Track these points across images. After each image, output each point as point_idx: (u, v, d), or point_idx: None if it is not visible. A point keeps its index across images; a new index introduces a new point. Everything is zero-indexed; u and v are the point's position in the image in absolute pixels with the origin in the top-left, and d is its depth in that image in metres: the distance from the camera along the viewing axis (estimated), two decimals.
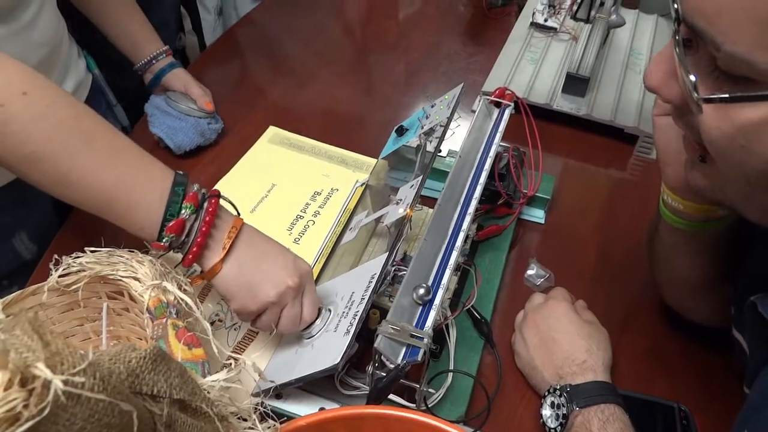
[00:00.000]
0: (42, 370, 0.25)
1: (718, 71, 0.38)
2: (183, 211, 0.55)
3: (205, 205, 0.56)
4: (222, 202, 0.59)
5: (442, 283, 0.60)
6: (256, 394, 0.59)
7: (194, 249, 0.55)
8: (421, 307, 0.58)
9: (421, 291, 0.58)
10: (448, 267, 0.61)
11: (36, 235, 0.81)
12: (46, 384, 0.25)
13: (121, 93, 1.02)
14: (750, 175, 0.41)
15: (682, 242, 0.62)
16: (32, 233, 0.81)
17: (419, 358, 0.53)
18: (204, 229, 0.55)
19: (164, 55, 0.93)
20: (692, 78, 0.39)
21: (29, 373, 0.26)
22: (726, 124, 0.38)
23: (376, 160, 0.87)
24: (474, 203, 0.66)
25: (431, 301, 0.58)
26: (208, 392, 0.42)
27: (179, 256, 0.57)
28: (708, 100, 0.39)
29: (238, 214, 0.60)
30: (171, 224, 0.54)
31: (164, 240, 0.55)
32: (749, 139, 0.38)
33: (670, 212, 0.61)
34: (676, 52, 0.40)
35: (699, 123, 0.40)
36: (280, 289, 0.57)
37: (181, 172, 0.57)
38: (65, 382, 0.25)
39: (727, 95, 0.38)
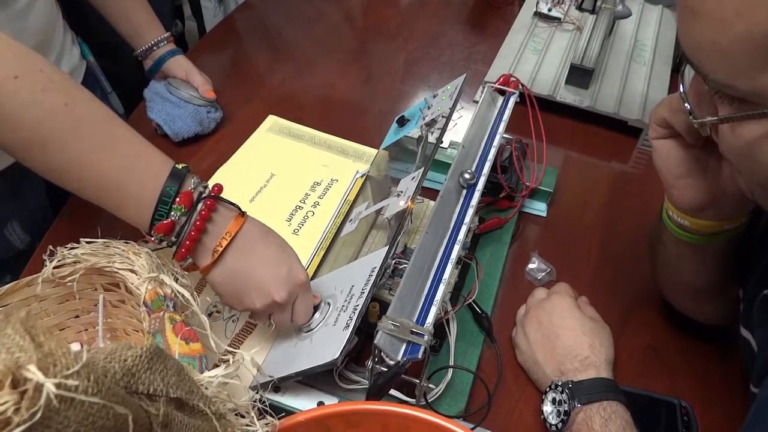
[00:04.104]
0: (34, 373, 0.24)
1: (721, 93, 0.42)
2: (173, 213, 0.53)
3: (199, 206, 0.54)
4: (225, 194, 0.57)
5: (444, 277, 0.59)
6: (253, 387, 0.59)
7: (182, 250, 0.54)
8: (422, 302, 0.57)
9: (467, 175, 0.60)
10: (450, 261, 0.60)
11: (29, 225, 0.80)
12: (38, 386, 0.24)
13: (116, 80, 1.00)
14: (762, 182, 0.44)
15: (688, 252, 0.61)
16: (25, 223, 0.80)
17: (420, 356, 0.52)
18: (193, 233, 0.53)
19: (165, 41, 0.92)
20: (687, 106, 0.46)
21: (21, 374, 0.25)
22: (735, 138, 0.42)
23: (376, 150, 0.86)
24: (477, 195, 0.65)
25: (474, 184, 0.61)
26: (206, 388, 0.42)
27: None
28: (701, 124, 0.45)
29: (242, 213, 0.57)
30: (159, 225, 0.52)
31: (154, 238, 0.54)
32: (753, 151, 0.42)
33: (676, 227, 0.60)
34: (679, 81, 0.47)
35: (719, 138, 0.45)
36: (266, 302, 0.56)
37: (179, 166, 0.54)
38: (58, 385, 0.24)
39: (715, 118, 0.43)
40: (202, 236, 0.54)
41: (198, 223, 0.53)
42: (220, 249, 0.54)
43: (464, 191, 0.65)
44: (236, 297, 0.57)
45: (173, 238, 0.54)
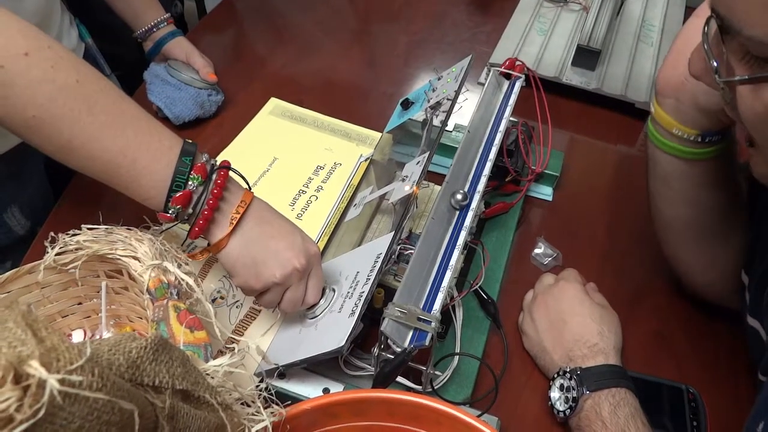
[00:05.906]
0: (36, 369, 0.23)
1: (749, 55, 0.39)
2: (190, 183, 0.53)
3: (214, 176, 0.54)
4: (231, 174, 0.56)
5: (451, 264, 0.58)
6: (258, 374, 0.58)
7: (201, 222, 0.53)
8: (428, 289, 0.56)
9: (459, 196, 0.59)
10: (457, 247, 0.59)
11: (29, 210, 0.79)
12: (41, 383, 0.23)
13: (115, 62, 0.99)
14: None
15: (680, 170, 0.60)
16: (25, 208, 0.79)
17: (427, 343, 0.51)
18: (211, 201, 0.53)
19: (165, 23, 0.91)
20: (714, 63, 0.43)
21: (23, 369, 0.24)
22: (757, 103, 0.40)
23: (380, 134, 0.85)
24: (484, 181, 0.64)
25: (467, 205, 0.59)
26: (212, 377, 0.41)
27: (183, 231, 0.55)
28: (728, 83, 0.42)
29: (249, 187, 0.58)
30: (177, 196, 0.52)
31: (170, 211, 0.53)
32: None
33: (660, 136, 0.59)
34: (703, 40, 0.43)
35: (737, 103, 0.42)
36: (285, 270, 0.55)
37: (189, 141, 0.54)
38: (62, 381, 0.24)
39: (746, 77, 0.40)
40: (221, 204, 0.54)
41: (215, 191, 0.53)
42: (238, 216, 0.54)
43: (457, 213, 0.63)
44: (254, 270, 0.56)
45: (190, 210, 0.53)
